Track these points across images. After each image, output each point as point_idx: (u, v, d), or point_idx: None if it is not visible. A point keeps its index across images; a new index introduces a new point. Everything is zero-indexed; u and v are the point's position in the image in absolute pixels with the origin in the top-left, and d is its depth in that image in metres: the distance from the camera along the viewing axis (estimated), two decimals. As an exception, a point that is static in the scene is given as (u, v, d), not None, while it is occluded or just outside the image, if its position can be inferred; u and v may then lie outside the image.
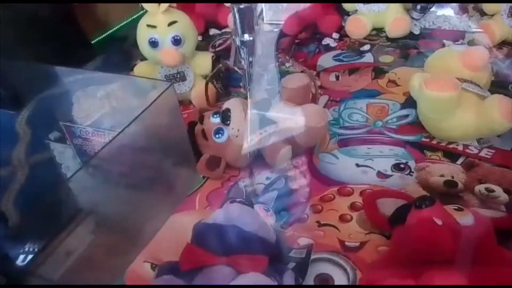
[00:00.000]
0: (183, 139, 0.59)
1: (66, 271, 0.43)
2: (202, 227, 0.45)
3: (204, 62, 0.74)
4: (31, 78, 0.65)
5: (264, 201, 0.49)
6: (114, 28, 1.04)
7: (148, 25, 0.68)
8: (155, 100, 0.49)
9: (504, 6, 0.76)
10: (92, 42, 0.98)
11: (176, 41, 0.68)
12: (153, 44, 0.68)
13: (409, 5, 0.85)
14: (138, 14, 0.96)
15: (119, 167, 0.50)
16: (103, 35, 1.02)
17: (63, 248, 0.44)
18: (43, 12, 0.84)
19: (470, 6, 0.91)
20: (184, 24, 0.69)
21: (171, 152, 0.57)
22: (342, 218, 0.52)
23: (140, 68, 0.75)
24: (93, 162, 0.46)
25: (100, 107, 0.64)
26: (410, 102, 0.66)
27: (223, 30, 0.99)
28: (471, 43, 0.81)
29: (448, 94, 0.56)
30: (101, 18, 1.01)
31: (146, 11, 0.68)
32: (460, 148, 0.59)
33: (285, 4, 0.92)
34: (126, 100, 0.62)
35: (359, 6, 0.87)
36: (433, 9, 0.88)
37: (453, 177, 0.55)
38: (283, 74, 0.80)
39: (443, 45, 0.80)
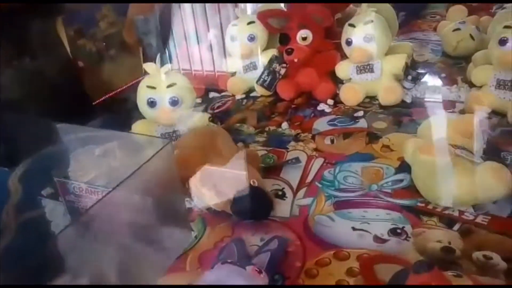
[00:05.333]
0: (178, 198, 0.58)
1: None
2: (191, 290, 0.43)
3: (199, 122, 0.76)
4: (30, 134, 0.66)
5: (257, 262, 0.48)
6: (116, 91, 1.07)
7: (148, 86, 0.71)
8: (152, 156, 0.49)
9: (492, 79, 0.80)
10: (94, 103, 1.01)
11: (174, 102, 0.70)
12: (152, 104, 0.70)
13: (401, 75, 0.89)
14: (140, 79, 1.00)
15: (110, 226, 0.49)
16: (105, 97, 1.05)
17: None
18: (47, 71, 0.86)
19: (459, 78, 0.95)
20: (183, 87, 0.72)
21: (165, 211, 0.56)
22: (339, 284, 0.50)
23: (138, 126, 0.76)
24: (84, 219, 0.45)
25: (97, 165, 0.64)
26: (404, 167, 0.67)
27: (222, 94, 1.03)
28: (462, 112, 0.83)
29: (442, 159, 0.56)
30: (105, 81, 1.05)
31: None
32: (456, 214, 0.58)
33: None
34: (124, 158, 0.62)
35: (353, 75, 0.91)
36: (424, 79, 0.92)
37: (450, 243, 0.54)
38: (279, 136, 0.82)
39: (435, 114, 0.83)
